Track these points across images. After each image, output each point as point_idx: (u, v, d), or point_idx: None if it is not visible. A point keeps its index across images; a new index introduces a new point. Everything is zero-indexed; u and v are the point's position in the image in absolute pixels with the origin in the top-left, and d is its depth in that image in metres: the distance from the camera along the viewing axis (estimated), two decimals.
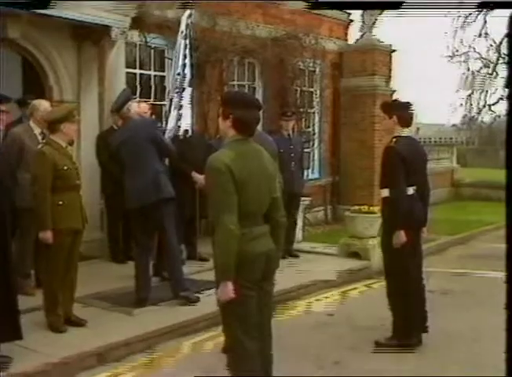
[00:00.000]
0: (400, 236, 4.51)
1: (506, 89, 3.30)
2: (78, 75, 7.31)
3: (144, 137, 5.24)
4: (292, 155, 7.50)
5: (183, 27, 6.84)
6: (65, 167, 4.56)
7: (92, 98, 7.29)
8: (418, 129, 16.28)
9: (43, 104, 5.52)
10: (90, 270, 6.04)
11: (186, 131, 6.74)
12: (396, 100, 5.09)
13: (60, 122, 4.56)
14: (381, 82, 11.19)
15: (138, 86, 8.20)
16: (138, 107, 5.76)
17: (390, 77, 11.57)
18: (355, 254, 7.51)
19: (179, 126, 6.65)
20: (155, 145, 5.25)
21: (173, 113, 6.62)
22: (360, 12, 11.39)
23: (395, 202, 4.54)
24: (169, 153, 5.60)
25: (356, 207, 7.78)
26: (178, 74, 6.72)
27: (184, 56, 6.75)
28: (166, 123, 6.69)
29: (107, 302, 5.34)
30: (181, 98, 6.68)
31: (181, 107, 6.65)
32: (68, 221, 4.55)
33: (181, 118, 6.67)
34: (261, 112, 3.14)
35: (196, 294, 5.40)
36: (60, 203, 4.52)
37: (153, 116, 6.55)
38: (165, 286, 5.57)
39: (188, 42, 6.80)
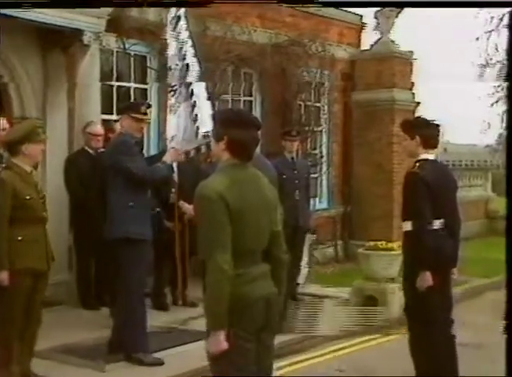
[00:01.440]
0: (426, 278, 4.51)
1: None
2: (44, 87, 7.36)
3: (105, 163, 5.28)
4: (296, 181, 7.54)
5: (171, 24, 6.28)
6: (27, 196, 4.55)
7: (60, 115, 7.33)
8: (445, 150, 16.39)
9: None
10: (55, 318, 5.99)
11: (206, 135, 5.91)
12: (419, 118, 5.15)
13: (21, 143, 4.57)
14: (400, 95, 11.31)
15: (115, 100, 8.27)
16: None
17: (412, 89, 11.71)
18: (371, 299, 7.49)
19: (197, 132, 6.03)
20: (119, 173, 5.20)
21: (172, 118, 6.08)
22: (373, 13, 11.58)
23: (419, 237, 4.55)
24: (139, 180, 5.20)
25: (372, 243, 7.79)
26: (170, 68, 6.22)
27: (183, 57, 6.25)
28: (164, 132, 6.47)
29: (75, 356, 5.29)
30: (189, 96, 6.11)
31: (193, 106, 6.08)
32: (29, 260, 4.52)
33: (197, 121, 6.03)
34: (259, 132, 3.17)
35: (157, 356, 5.27)
36: (20, 238, 4.50)
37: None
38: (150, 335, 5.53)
39: (186, 37, 6.24)
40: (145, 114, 5.38)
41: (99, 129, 6.86)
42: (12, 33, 6.88)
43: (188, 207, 6.46)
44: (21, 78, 7.23)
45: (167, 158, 5.56)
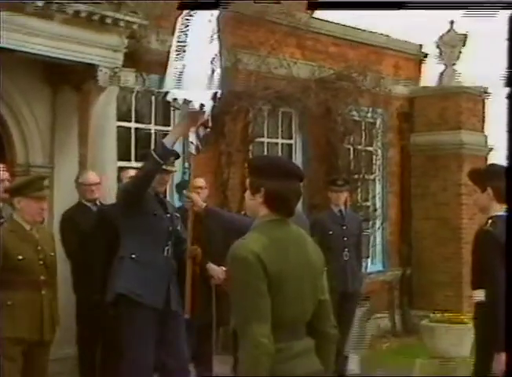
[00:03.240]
0: (503, 361, 4.43)
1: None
2: (52, 129, 7.55)
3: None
4: (345, 239, 7.53)
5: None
6: (20, 257, 4.65)
7: (70, 161, 7.49)
8: None
9: None
10: None
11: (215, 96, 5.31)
12: (490, 166, 5.13)
13: (13, 196, 4.74)
14: (470, 137, 11.27)
15: (133, 145, 8.43)
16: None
17: (483, 131, 11.67)
18: None
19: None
20: (121, 215, 5.32)
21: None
22: (434, 42, 11.66)
23: (494, 310, 4.49)
24: (125, 197, 5.20)
25: (438, 314, 7.71)
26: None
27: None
28: None
29: None
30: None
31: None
32: (19, 328, 4.59)
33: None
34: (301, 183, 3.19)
35: None
36: (9, 303, 4.59)
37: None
38: None
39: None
40: (172, 165, 5.41)
41: (91, 177, 6.84)
42: (17, 69, 7.08)
43: (215, 269, 6.49)
44: (26, 121, 7.40)
45: (173, 132, 5.22)
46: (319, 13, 11.29)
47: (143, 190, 5.07)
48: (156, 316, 5.18)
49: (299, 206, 5.74)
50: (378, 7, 5.19)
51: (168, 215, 5.41)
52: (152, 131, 8.76)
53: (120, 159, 7.68)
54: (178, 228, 5.55)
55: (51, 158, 7.51)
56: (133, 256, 5.18)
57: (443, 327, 7.49)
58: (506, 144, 3.35)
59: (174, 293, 5.36)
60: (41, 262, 4.79)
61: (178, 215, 5.64)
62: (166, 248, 5.35)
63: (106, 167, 7.16)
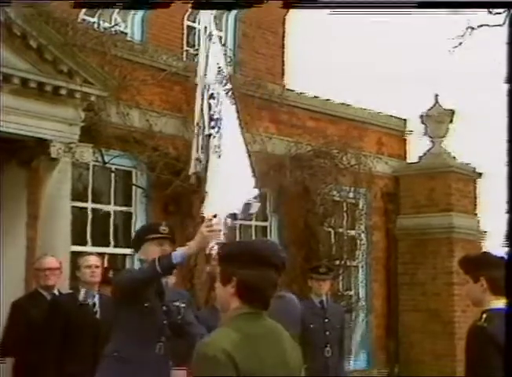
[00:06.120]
0: None
1: None
2: None
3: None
4: (327, 333, 7.45)
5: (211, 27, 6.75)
6: None
7: (17, 246, 7.41)
8: None
9: None
10: None
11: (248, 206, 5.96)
12: (484, 254, 5.11)
13: None
14: (461, 221, 11.34)
15: (89, 227, 8.37)
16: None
17: (476, 213, 11.74)
18: None
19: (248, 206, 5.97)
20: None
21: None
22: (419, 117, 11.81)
23: None
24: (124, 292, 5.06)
25: None
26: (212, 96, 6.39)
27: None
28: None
29: None
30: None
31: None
32: None
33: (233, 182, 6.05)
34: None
35: None
36: None
37: (111, 273, 6.60)
38: None
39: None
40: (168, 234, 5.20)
41: (49, 261, 6.69)
42: None
43: (178, 373, 6.36)
44: None
45: (188, 246, 4.94)
46: (295, 86, 11.50)
47: (138, 292, 4.99)
48: None
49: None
50: (378, 7, 5.22)
51: (164, 307, 5.19)
52: (111, 212, 8.71)
53: (75, 243, 7.58)
54: (179, 319, 5.29)
55: None
56: (116, 354, 5.01)
57: None
58: (506, 140, 3.33)
59: None
60: None
61: (182, 305, 5.37)
62: (159, 345, 5.15)
63: (58, 252, 6.99)
